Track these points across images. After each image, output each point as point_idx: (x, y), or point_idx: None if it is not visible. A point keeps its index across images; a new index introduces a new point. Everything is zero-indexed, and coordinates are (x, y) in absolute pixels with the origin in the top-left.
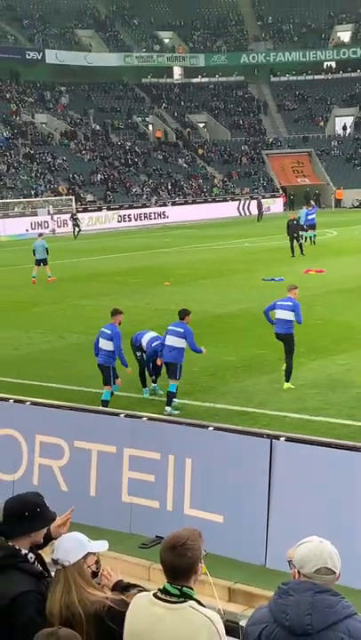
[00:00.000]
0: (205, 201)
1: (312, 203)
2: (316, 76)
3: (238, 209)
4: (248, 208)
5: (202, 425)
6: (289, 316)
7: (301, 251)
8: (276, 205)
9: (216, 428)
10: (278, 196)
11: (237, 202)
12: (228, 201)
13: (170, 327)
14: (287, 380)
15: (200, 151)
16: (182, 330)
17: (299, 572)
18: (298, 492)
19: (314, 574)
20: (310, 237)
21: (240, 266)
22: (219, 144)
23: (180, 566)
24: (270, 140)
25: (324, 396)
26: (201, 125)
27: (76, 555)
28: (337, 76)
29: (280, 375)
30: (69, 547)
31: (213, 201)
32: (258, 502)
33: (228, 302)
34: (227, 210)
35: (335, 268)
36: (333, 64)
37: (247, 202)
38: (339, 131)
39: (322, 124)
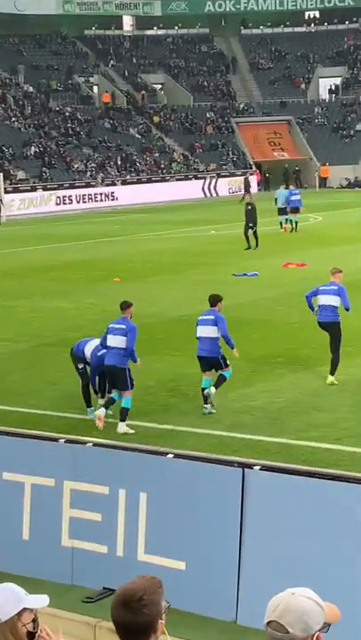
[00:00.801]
0: (163, 179)
1: (291, 184)
2: (295, 29)
3: (203, 189)
4: (215, 188)
5: (159, 452)
6: (335, 301)
7: (248, 243)
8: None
9: (177, 456)
10: (251, 174)
11: (202, 180)
12: (190, 179)
13: (200, 318)
14: (332, 374)
15: (156, 119)
16: (213, 317)
17: None
18: (276, 531)
19: (266, 627)
20: (293, 222)
21: (206, 258)
22: (179, 110)
23: (135, 626)
24: (241, 105)
25: (306, 416)
26: (157, 87)
27: (9, 610)
28: (321, 29)
29: (254, 391)
30: (1, 600)
31: (173, 179)
32: (228, 545)
33: (191, 302)
34: (189, 190)
35: (319, 260)
36: (317, 14)
37: (214, 180)
38: (323, 95)
39: (303, 86)
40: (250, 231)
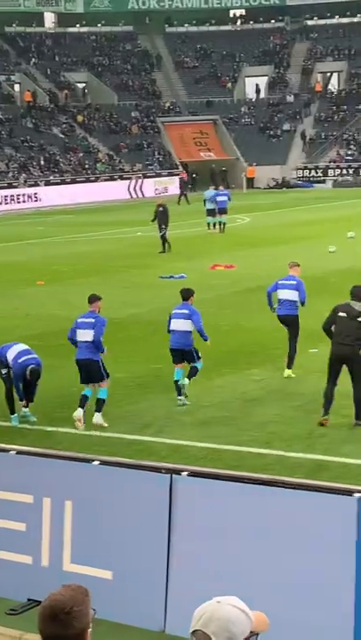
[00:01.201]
0: (88, 180)
1: (219, 185)
2: (221, 27)
3: (129, 190)
4: (141, 189)
5: (85, 459)
6: (294, 295)
7: (164, 247)
8: (174, 185)
9: (103, 463)
10: (177, 174)
11: (127, 181)
12: (115, 180)
13: (174, 311)
14: (289, 367)
15: (80, 118)
16: (187, 311)
17: None
18: (205, 538)
19: (191, 636)
20: (220, 224)
21: (132, 261)
22: (103, 109)
23: (65, 638)
24: (167, 104)
25: (234, 420)
26: (80, 86)
27: None
28: (246, 28)
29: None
30: None
31: (97, 180)
32: (155, 552)
33: (116, 306)
34: (114, 191)
35: (247, 262)
36: (242, 12)
37: (139, 181)
38: (250, 94)
39: (229, 85)
40: (161, 233)
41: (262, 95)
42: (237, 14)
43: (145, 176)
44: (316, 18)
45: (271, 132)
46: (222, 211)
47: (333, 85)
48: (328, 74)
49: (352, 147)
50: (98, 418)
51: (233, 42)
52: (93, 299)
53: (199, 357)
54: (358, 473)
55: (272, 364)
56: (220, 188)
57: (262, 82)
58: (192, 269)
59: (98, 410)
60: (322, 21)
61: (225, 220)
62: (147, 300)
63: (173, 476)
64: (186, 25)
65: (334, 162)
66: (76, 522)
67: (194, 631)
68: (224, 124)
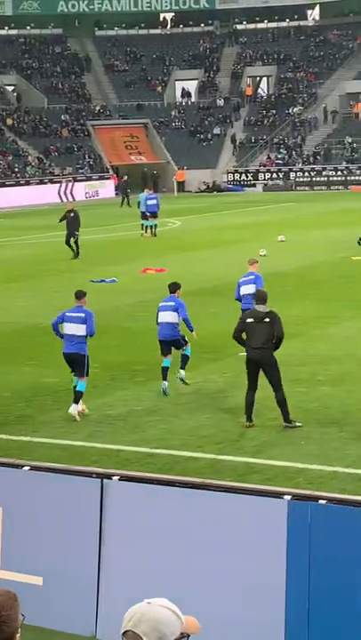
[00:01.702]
0: (17, 183)
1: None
2: (151, 31)
3: (59, 193)
4: (72, 192)
5: (15, 464)
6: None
7: (76, 252)
8: (105, 189)
9: (33, 468)
10: (108, 178)
11: (58, 184)
12: (45, 183)
13: (161, 304)
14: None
15: (9, 121)
16: (174, 303)
17: None
18: (136, 543)
19: (122, 637)
20: (151, 227)
21: (62, 265)
22: (32, 112)
23: None
24: (97, 108)
25: (166, 424)
26: (9, 89)
27: None
28: (176, 31)
29: (113, 399)
30: None
31: (27, 183)
32: (86, 558)
33: (46, 310)
34: (44, 195)
35: (178, 265)
36: (172, 16)
37: (70, 184)
38: (180, 97)
39: (159, 89)
40: (72, 239)
41: (193, 99)
42: (167, 18)
43: (75, 180)
44: (245, 22)
45: (202, 136)
46: (152, 214)
47: (263, 89)
48: (258, 78)
49: (282, 150)
50: (73, 408)
51: (163, 45)
52: (81, 294)
53: (186, 342)
54: (287, 475)
55: (205, 367)
56: (149, 191)
57: (192, 86)
58: (123, 273)
59: (76, 401)
60: (251, 26)
61: (155, 224)
62: None
63: (104, 480)
64: (116, 28)
65: (265, 166)
66: (5, 528)
67: (125, 632)
68: (155, 128)
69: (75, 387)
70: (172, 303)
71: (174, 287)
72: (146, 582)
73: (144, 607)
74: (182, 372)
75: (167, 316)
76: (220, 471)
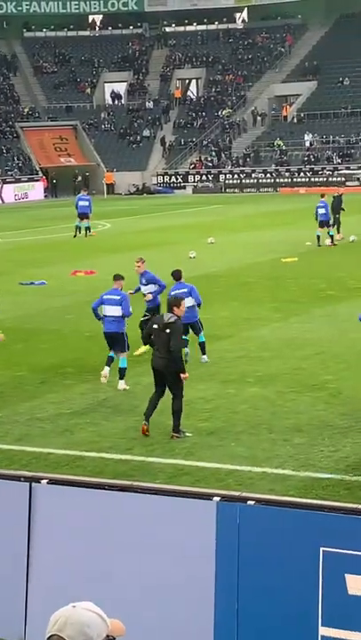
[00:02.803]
0: None
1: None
2: (79, 33)
3: None
4: (1, 194)
5: None
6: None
7: None
8: (35, 191)
9: None
10: (38, 180)
11: None
12: None
13: (174, 293)
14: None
15: None
16: (186, 289)
17: None
18: (65, 547)
19: None
20: (85, 228)
21: None
22: None
23: None
24: (26, 109)
25: (96, 427)
26: None
27: None
28: (105, 33)
29: (43, 402)
30: None
31: None
32: (14, 562)
33: None
34: None
35: (108, 268)
36: (100, 18)
37: None
38: (109, 100)
39: (89, 90)
40: None
41: (122, 101)
42: (96, 20)
43: (5, 182)
44: (174, 25)
45: (131, 138)
46: (83, 215)
47: (192, 92)
48: (187, 80)
49: (212, 153)
50: (122, 384)
51: (92, 47)
52: (118, 277)
53: (202, 328)
54: (217, 477)
55: (133, 369)
56: (83, 192)
57: (122, 88)
58: (53, 275)
59: (121, 377)
60: (180, 28)
61: (87, 225)
62: (5, 306)
63: (33, 484)
64: (44, 30)
65: (194, 168)
66: None
67: (50, 636)
68: (84, 130)
69: (110, 356)
70: (185, 289)
71: (178, 274)
72: (74, 585)
73: (69, 611)
74: (205, 357)
75: (187, 302)
76: (150, 473)
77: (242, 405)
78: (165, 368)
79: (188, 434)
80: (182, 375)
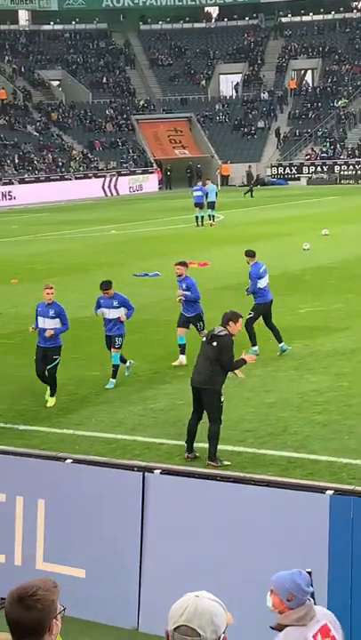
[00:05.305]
0: (62, 178)
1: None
2: (195, 25)
3: (103, 188)
4: (116, 187)
5: (57, 457)
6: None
7: None
8: (149, 183)
9: (75, 461)
10: (152, 172)
11: (102, 179)
12: (90, 178)
13: (101, 301)
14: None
15: (54, 116)
16: (117, 301)
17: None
18: (178, 536)
19: (173, 632)
20: (201, 218)
21: (106, 258)
22: (77, 107)
23: (28, 623)
24: (141, 102)
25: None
26: (55, 84)
27: None
28: (221, 25)
29: (156, 393)
30: None
31: (72, 178)
32: (128, 551)
33: (91, 304)
34: (89, 189)
35: (221, 259)
36: (216, 10)
37: (114, 179)
38: (224, 91)
39: (203, 83)
40: None
41: (237, 93)
42: (212, 12)
43: (119, 174)
44: (290, 15)
45: (245, 130)
46: (199, 205)
47: (308, 82)
48: (302, 71)
49: (326, 144)
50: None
51: (207, 39)
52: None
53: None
54: (330, 470)
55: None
56: (199, 183)
57: (237, 79)
58: (167, 267)
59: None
60: (296, 18)
61: (202, 215)
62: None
63: (146, 474)
64: (160, 22)
65: (309, 159)
66: (48, 520)
67: (177, 627)
68: (198, 122)
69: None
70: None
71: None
72: (187, 575)
73: (195, 601)
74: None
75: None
76: (261, 465)
77: (355, 399)
78: (204, 385)
79: (226, 462)
80: (239, 374)
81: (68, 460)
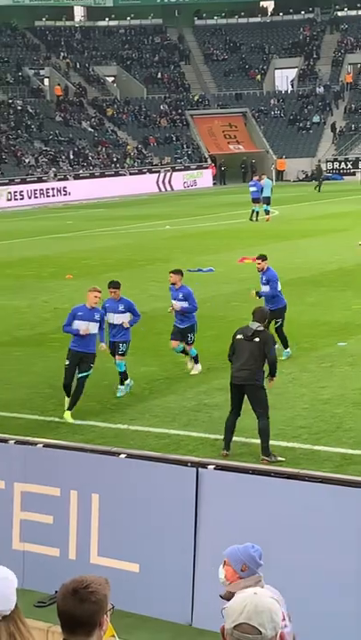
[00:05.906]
0: (117, 174)
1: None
2: (250, 19)
3: (158, 183)
4: (170, 182)
5: (111, 452)
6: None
7: None
8: (203, 179)
9: (129, 456)
10: (207, 167)
11: (156, 174)
12: (144, 173)
13: (107, 305)
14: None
15: (109, 111)
16: (182, 294)
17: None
18: (231, 532)
19: (233, 630)
20: (256, 212)
21: (160, 254)
22: (132, 103)
23: (81, 615)
24: (196, 97)
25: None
26: (110, 79)
27: (13, 598)
28: (276, 20)
29: (210, 388)
30: (3, 590)
31: (126, 173)
32: (182, 546)
33: (144, 299)
34: (143, 184)
35: (276, 255)
36: (271, 4)
37: (168, 174)
38: (280, 86)
39: (259, 77)
40: None
41: (292, 87)
42: (267, 6)
43: (174, 169)
44: (346, 9)
45: (301, 125)
46: (255, 200)
47: None
48: (358, 65)
49: None
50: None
51: (262, 34)
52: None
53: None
54: None
55: (303, 358)
56: (254, 178)
57: (292, 74)
58: (220, 262)
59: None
60: (352, 12)
61: (257, 210)
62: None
63: (199, 469)
64: (215, 17)
65: None
66: (102, 515)
67: (238, 625)
68: (253, 117)
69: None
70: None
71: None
72: None
73: (253, 598)
74: (121, 387)
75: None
76: (316, 461)
77: None
78: (249, 380)
79: (280, 458)
80: (270, 383)
81: (122, 455)
